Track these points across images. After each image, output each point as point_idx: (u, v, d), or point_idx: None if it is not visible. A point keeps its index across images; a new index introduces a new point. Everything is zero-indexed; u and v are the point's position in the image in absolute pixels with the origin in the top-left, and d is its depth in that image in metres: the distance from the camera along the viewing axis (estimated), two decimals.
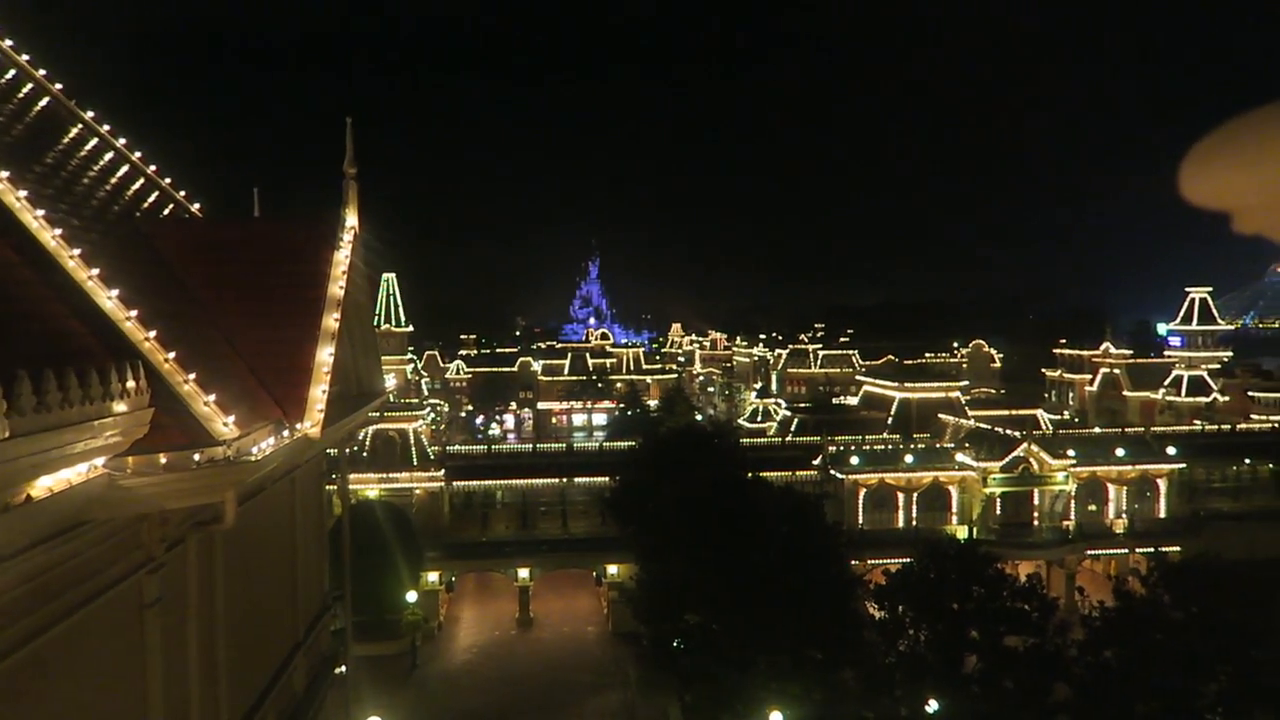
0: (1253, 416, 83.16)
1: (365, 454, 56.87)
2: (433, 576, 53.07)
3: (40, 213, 9.57)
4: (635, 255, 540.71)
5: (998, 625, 32.59)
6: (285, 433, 10.72)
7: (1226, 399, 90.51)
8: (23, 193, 9.59)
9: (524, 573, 53.99)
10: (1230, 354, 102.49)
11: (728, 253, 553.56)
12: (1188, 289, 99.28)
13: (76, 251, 9.47)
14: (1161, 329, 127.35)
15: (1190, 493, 63.29)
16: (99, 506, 7.53)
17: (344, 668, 18.83)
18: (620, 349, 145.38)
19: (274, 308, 12.64)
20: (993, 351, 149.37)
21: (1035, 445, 55.80)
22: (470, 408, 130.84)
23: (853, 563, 43.01)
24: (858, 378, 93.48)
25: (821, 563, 34.42)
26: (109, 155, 14.46)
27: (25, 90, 13.44)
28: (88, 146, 13.99)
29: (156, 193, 15.28)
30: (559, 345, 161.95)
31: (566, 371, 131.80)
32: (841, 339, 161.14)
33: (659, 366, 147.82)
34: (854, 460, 56.34)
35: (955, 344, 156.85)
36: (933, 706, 30.76)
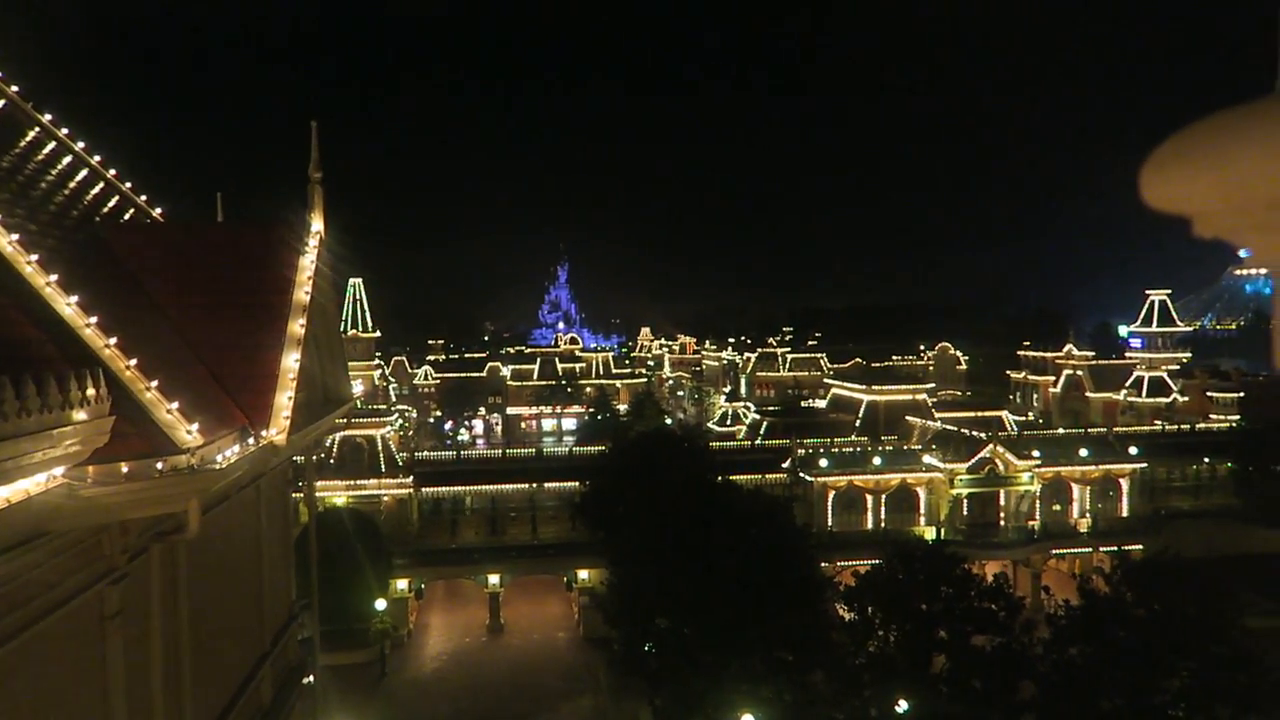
0: (1211, 416, 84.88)
1: (332, 461, 56.30)
2: (402, 584, 52.66)
3: None
4: (604, 259, 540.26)
5: (965, 625, 32.92)
6: (250, 440, 10.60)
7: (1186, 399, 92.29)
8: None
9: (494, 579, 53.73)
10: (1189, 355, 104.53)
11: (696, 257, 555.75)
12: (1148, 291, 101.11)
13: (34, 257, 9.29)
14: (1123, 331, 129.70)
15: (1151, 492, 64.46)
16: (58, 517, 7.38)
17: (312, 678, 18.60)
18: (589, 353, 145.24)
19: (238, 314, 12.50)
20: (958, 354, 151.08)
21: (1001, 446, 56.52)
22: (439, 413, 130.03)
23: (822, 564, 43.24)
24: (826, 381, 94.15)
25: (791, 565, 34.55)
26: (68, 159, 14.22)
27: None
28: (45, 150, 13.75)
29: (117, 197, 15.04)
30: (528, 350, 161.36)
31: (535, 376, 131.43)
32: (810, 342, 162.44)
33: (628, 371, 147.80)
34: (823, 463, 56.71)
35: (922, 346, 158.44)
36: (902, 706, 30.98)
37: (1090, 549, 57.27)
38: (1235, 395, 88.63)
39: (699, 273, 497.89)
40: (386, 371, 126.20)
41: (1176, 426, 75.93)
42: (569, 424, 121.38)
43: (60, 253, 10.63)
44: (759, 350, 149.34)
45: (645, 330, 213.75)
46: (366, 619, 47.26)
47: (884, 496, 56.87)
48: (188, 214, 19.58)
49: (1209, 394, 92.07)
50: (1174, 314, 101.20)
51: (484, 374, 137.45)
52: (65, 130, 14.71)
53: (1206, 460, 68.52)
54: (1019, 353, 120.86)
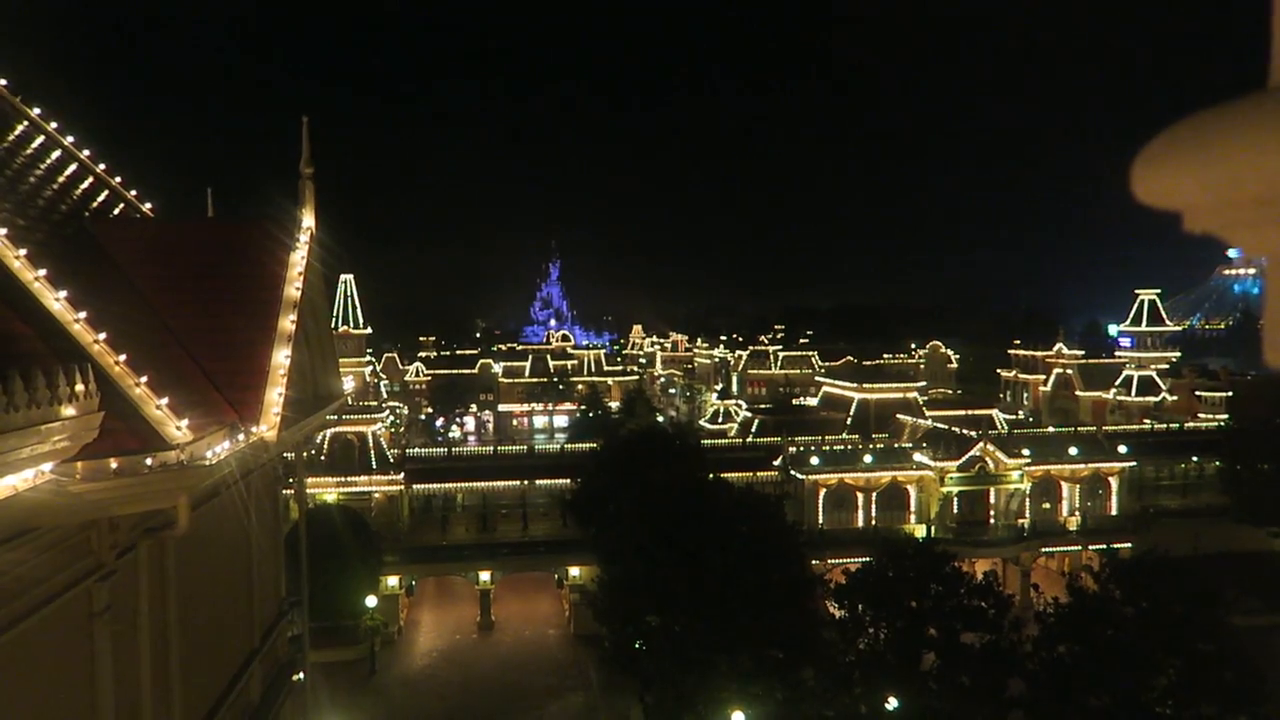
0: (1199, 415, 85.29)
1: (323, 457, 56.15)
2: (392, 581, 52.55)
3: None
4: (596, 257, 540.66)
5: (955, 623, 33.01)
6: (240, 436, 10.55)
7: (1175, 398, 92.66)
8: None
9: (485, 576, 53.66)
10: (1179, 354, 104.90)
11: (688, 255, 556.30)
12: (1137, 291, 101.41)
13: (22, 251, 9.23)
14: (1112, 330, 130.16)
15: (1140, 490, 64.75)
16: (46, 513, 7.35)
17: (301, 674, 18.56)
18: (581, 351, 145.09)
19: (229, 309, 12.45)
20: (949, 352, 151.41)
21: (991, 445, 56.68)
22: (430, 410, 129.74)
23: (813, 562, 43.37)
24: (817, 379, 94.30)
25: (782, 562, 34.62)
26: (57, 153, 14.13)
27: None
28: (33, 144, 13.66)
29: (106, 192, 14.96)
30: (519, 347, 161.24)
31: (527, 373, 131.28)
32: (801, 340, 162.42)
33: (620, 368, 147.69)
34: (814, 460, 56.79)
35: (913, 345, 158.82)
36: (892, 704, 31.08)
37: (1079, 547, 57.49)
38: (1224, 394, 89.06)
39: (691, 271, 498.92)
40: (378, 368, 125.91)
41: (1165, 425, 76.26)
42: (560, 421, 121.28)
43: (49, 247, 10.56)
44: (750, 348, 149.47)
45: (637, 328, 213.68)
46: (357, 616, 47.16)
47: (874, 494, 56.97)
48: (177, 209, 19.48)
49: (1197, 393, 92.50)
50: (1163, 313, 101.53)
51: (475, 371, 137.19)
52: (54, 124, 14.62)
53: (1195, 459, 68.84)
54: (1009, 351, 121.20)
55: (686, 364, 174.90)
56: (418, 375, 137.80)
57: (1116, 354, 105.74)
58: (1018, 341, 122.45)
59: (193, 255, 13.41)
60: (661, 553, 34.22)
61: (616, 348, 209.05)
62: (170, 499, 8.72)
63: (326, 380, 17.10)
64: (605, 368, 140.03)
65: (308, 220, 14.37)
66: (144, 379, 8.91)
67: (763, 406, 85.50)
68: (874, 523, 56.33)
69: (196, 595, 12.05)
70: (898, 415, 68.86)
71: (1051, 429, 72.66)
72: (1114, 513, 59.77)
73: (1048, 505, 59.28)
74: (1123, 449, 61.77)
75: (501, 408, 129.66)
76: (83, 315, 9.12)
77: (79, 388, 7.44)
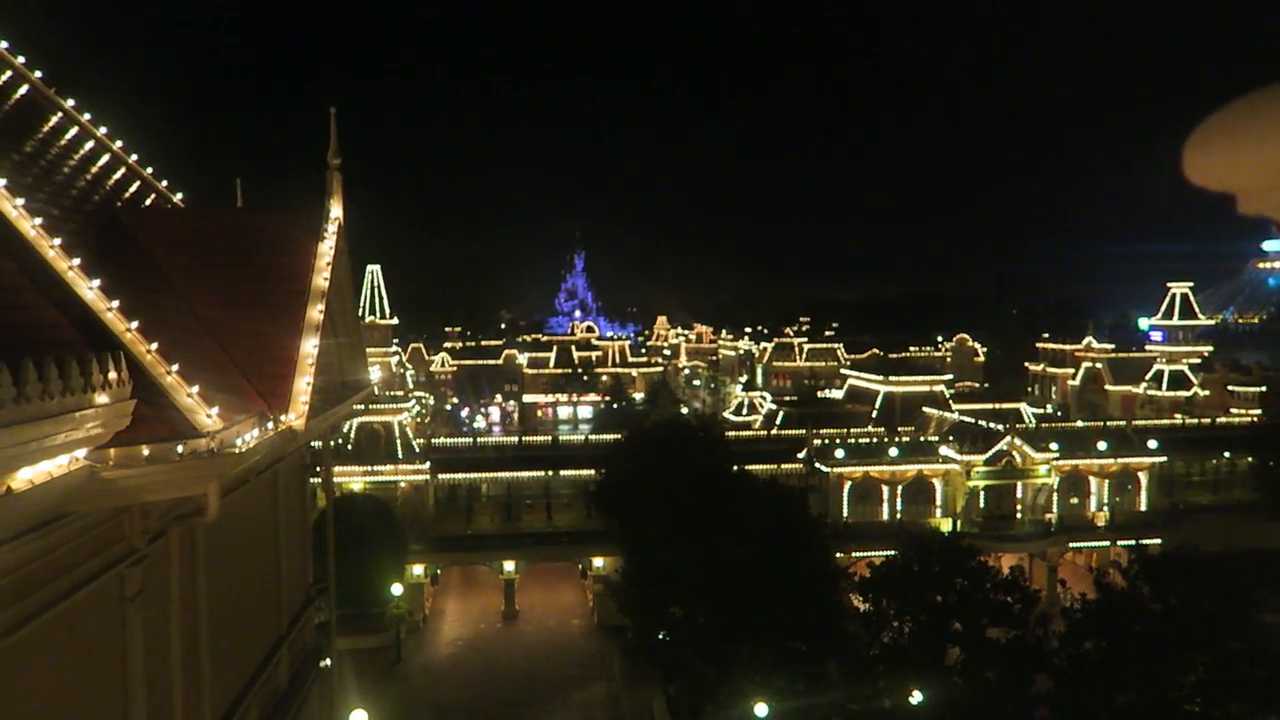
0: (1232, 411, 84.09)
1: (350, 447, 56.64)
2: (417, 569, 52.97)
3: (19, 201, 9.45)
4: (621, 248, 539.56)
5: (980, 617, 32.78)
6: (269, 425, 10.65)
7: (1206, 393, 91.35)
8: (1, 181, 9.47)
9: (509, 566, 53.96)
10: (1210, 349, 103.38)
11: (714, 246, 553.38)
12: (1169, 284, 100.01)
13: (56, 241, 9.35)
14: (1143, 324, 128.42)
15: (1170, 486, 63.91)
16: (79, 499, 7.45)
17: (328, 661, 18.75)
18: (605, 342, 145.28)
19: (258, 299, 12.55)
20: (976, 345, 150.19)
21: (1018, 439, 56.17)
22: (455, 400, 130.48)
23: (837, 555, 43.20)
24: (843, 371, 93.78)
25: (805, 555, 34.52)
26: (89, 144, 14.29)
27: (3, 78, 13.26)
28: (67, 135, 13.82)
29: (138, 183, 15.12)
30: (544, 338, 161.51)
31: (552, 364, 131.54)
32: (827, 333, 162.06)
33: (644, 359, 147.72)
34: (839, 453, 56.55)
35: (939, 338, 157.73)
36: (916, 697, 30.94)
37: (1107, 543, 56.89)
38: (1257, 390, 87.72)
39: (716, 263, 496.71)
40: (404, 358, 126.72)
41: (1196, 421, 75.29)
42: (585, 412, 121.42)
43: (82, 237, 10.70)
44: (775, 340, 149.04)
45: (661, 319, 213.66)
46: (382, 604, 47.56)
47: (900, 488, 56.66)
48: (207, 200, 19.67)
49: (1230, 388, 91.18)
50: (1195, 307, 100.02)
51: (500, 361, 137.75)
52: (87, 116, 14.78)
53: (1227, 455, 67.89)
54: (1037, 345, 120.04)
55: (711, 356, 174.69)
56: (443, 365, 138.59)
57: (1147, 348, 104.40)
58: (1046, 335, 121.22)
59: (222, 245, 13.53)
60: (685, 545, 34.25)
61: (641, 339, 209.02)
62: (200, 486, 8.82)
63: (354, 370, 17.22)
64: (630, 359, 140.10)
65: (335, 211, 14.44)
66: (175, 367, 9.00)
67: (787, 399, 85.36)
68: (899, 516, 56.04)
69: (225, 581, 12.20)
70: (924, 408, 68.42)
71: (1080, 423, 71.85)
72: (1143, 508, 59.07)
73: (1075, 500, 58.68)
74: (1152, 444, 60.96)
75: (526, 398, 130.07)
76: (115, 304, 9.23)
77: (111, 376, 7.53)
